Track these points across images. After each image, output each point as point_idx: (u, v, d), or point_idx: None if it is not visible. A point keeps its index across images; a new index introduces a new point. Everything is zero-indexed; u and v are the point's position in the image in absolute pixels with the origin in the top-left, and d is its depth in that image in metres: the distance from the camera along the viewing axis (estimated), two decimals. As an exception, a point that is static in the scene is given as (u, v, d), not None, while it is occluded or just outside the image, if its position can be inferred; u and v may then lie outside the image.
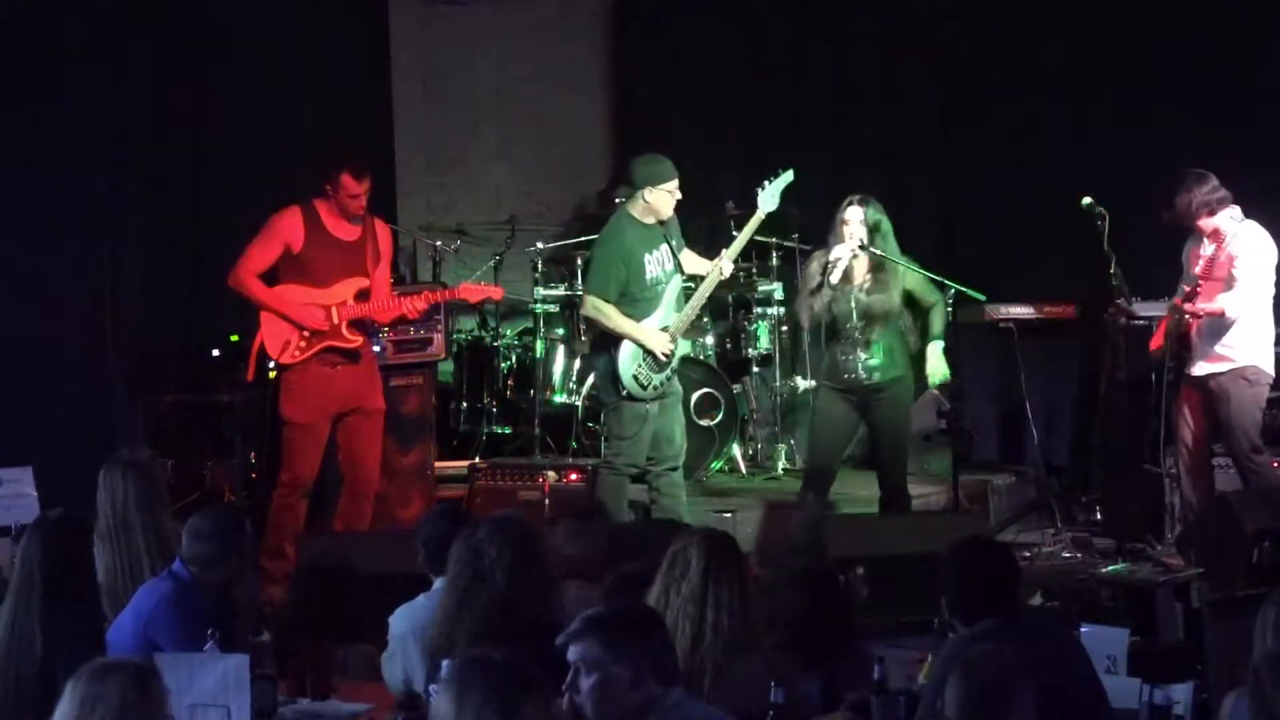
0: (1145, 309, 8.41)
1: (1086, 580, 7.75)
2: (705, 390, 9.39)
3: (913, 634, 6.80)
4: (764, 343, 9.83)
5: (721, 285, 8.22)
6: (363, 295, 7.81)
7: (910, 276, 7.83)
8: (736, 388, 9.72)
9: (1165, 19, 9.60)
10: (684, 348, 7.98)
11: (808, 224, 9.48)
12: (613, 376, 7.79)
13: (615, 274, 7.76)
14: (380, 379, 8.09)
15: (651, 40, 11.04)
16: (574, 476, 8.45)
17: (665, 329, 7.81)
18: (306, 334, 7.73)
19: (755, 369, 10.02)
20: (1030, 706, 3.73)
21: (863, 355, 7.77)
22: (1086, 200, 8.47)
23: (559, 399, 9.63)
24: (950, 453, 8.54)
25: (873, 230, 7.72)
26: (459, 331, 9.73)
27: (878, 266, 7.75)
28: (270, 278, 7.77)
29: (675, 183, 7.76)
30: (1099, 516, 8.97)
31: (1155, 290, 8.37)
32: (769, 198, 7.90)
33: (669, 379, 7.86)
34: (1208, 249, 7.97)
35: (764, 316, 9.93)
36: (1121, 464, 8.87)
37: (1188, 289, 7.94)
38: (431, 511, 6.07)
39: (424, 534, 5.28)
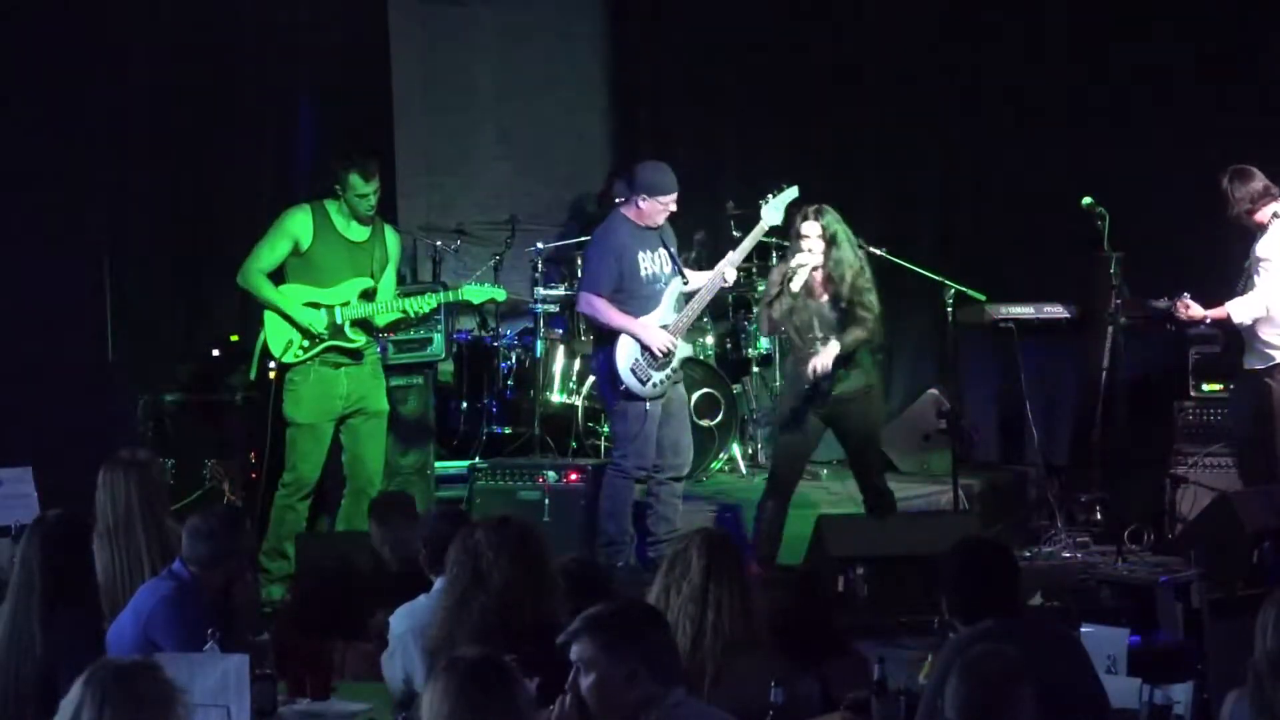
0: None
1: (1086, 580, 7.76)
2: (705, 390, 9.39)
3: (913, 634, 6.81)
4: (764, 343, 9.82)
5: (722, 286, 8.22)
6: (367, 296, 7.82)
7: (860, 279, 7.64)
8: (736, 388, 9.72)
9: (1165, 19, 9.60)
10: (684, 350, 7.99)
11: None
12: (611, 374, 7.81)
13: (607, 269, 7.80)
14: (384, 380, 8.09)
15: (651, 40, 11.04)
16: (574, 476, 8.45)
17: (664, 328, 7.83)
18: (309, 334, 7.74)
19: (755, 369, 10.02)
20: (1030, 706, 3.73)
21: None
22: (1086, 200, 8.48)
23: (559, 399, 9.63)
24: (950, 453, 8.55)
25: (830, 242, 7.61)
26: (459, 331, 9.73)
27: (839, 278, 7.63)
28: (277, 275, 7.78)
29: (673, 197, 7.80)
30: (1099, 516, 8.97)
31: (1155, 290, 8.37)
32: (773, 211, 7.86)
33: (669, 379, 7.87)
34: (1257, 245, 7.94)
35: (764, 317, 9.92)
36: (1121, 464, 8.88)
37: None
38: (431, 511, 6.09)
39: (424, 534, 5.29)
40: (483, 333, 9.98)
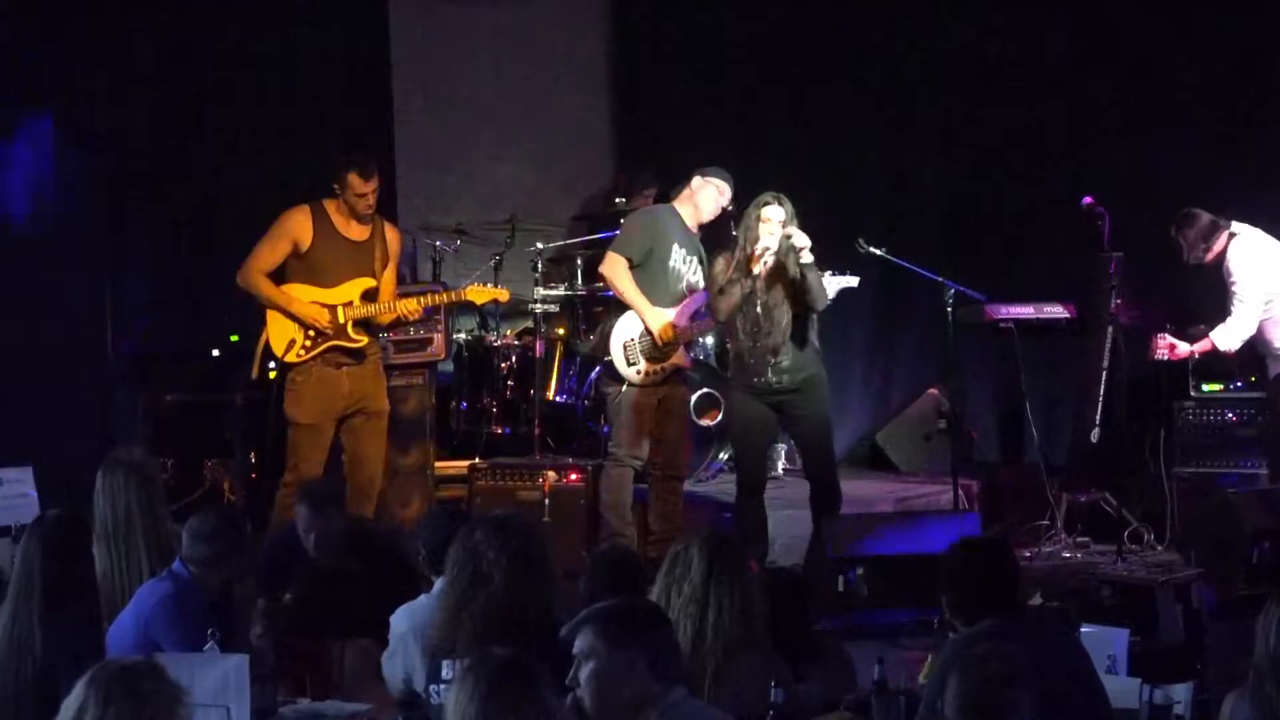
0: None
1: (1086, 580, 7.76)
2: (705, 390, 9.38)
3: (913, 634, 6.82)
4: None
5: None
6: (369, 296, 7.82)
7: (809, 276, 7.52)
8: (736, 387, 9.71)
9: (1165, 19, 9.60)
10: (680, 359, 8.01)
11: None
12: (605, 339, 7.98)
13: (642, 240, 7.97)
14: (385, 380, 8.09)
15: (651, 40, 11.04)
16: (574, 476, 8.46)
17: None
18: (312, 334, 7.73)
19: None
20: (1030, 706, 3.73)
21: (770, 358, 7.54)
22: (1086, 200, 8.48)
23: (559, 399, 9.63)
24: (950, 453, 8.54)
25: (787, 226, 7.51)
26: (459, 331, 9.73)
27: (786, 268, 7.51)
28: (278, 276, 7.77)
29: (729, 189, 8.03)
30: (1099, 517, 8.96)
31: (1154, 290, 8.38)
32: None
33: (660, 375, 7.90)
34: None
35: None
36: (1122, 464, 8.87)
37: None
38: (431, 512, 6.09)
39: (424, 534, 5.29)
40: (482, 333, 9.97)
